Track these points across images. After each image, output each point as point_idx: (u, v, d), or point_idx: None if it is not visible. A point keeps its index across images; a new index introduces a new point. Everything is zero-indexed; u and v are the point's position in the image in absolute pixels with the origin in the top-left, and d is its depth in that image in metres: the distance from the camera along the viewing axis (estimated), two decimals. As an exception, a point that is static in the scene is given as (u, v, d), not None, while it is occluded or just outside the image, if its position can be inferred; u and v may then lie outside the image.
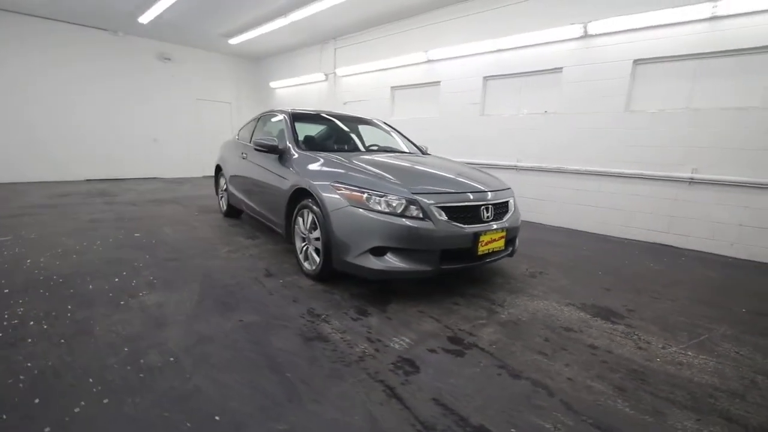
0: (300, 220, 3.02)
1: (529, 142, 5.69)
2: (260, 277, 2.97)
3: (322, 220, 2.68)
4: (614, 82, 4.82)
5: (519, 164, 5.79)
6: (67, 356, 1.82)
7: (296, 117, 3.77)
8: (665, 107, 4.52)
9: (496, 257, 2.80)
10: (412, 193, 2.48)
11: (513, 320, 2.42)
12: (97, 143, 8.65)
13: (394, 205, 2.44)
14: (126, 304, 2.39)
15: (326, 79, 8.91)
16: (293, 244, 3.18)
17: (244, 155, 4.22)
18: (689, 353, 2.14)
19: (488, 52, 5.94)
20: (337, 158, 3.05)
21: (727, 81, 4.13)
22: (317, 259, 2.84)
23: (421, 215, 2.43)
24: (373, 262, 2.45)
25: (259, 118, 4.54)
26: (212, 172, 5.65)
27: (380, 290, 2.79)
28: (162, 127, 9.56)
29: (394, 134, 4.37)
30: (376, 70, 7.74)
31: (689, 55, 4.29)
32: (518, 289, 2.95)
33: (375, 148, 4.01)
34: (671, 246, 4.52)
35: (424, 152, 4.23)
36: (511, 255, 3.00)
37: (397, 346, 2.04)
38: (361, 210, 2.47)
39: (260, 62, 11.02)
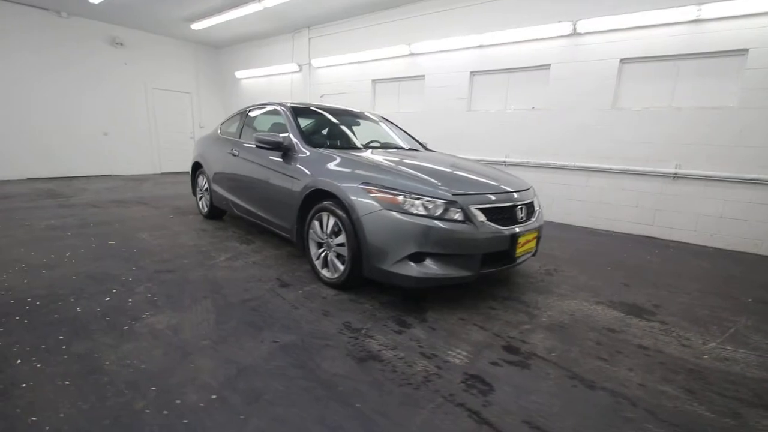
0: (316, 224, 2.77)
1: (517, 138, 5.74)
2: (276, 288, 2.69)
3: (349, 226, 2.46)
4: (602, 80, 4.95)
5: (508, 160, 5.84)
6: (82, 404, 1.48)
7: (297, 111, 3.47)
8: (650, 105, 4.72)
9: (525, 258, 2.74)
10: (453, 195, 2.33)
11: (556, 323, 2.37)
12: (40, 137, 7.62)
13: (433, 207, 2.28)
14: (131, 330, 2.04)
15: (300, 70, 8.48)
16: (306, 250, 2.92)
17: (235, 152, 3.84)
18: (728, 347, 2.19)
19: (475, 47, 5.89)
20: (356, 156, 2.83)
21: (707, 81, 4.37)
22: (340, 266, 2.61)
23: (461, 218, 2.29)
24: (412, 270, 2.28)
25: (246, 112, 4.15)
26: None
27: (409, 297, 2.63)
28: (114, 120, 8.62)
29: (391, 129, 4.17)
30: (355, 62, 7.46)
31: (673, 55, 4.49)
32: (544, 289, 2.92)
33: (376, 144, 3.81)
34: (656, 238, 4.76)
35: (426, 148, 4.09)
36: (534, 255, 2.96)
37: (457, 361, 1.90)
38: (397, 214, 2.28)
39: (224, 50, 10.28)
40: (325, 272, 2.77)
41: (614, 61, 4.84)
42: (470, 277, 2.36)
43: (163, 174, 9.38)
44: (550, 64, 5.32)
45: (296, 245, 3.06)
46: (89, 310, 2.25)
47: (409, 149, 3.79)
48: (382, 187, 2.37)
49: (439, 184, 2.40)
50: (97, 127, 8.39)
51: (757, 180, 4.13)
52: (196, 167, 4.79)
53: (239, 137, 4.00)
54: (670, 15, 4.36)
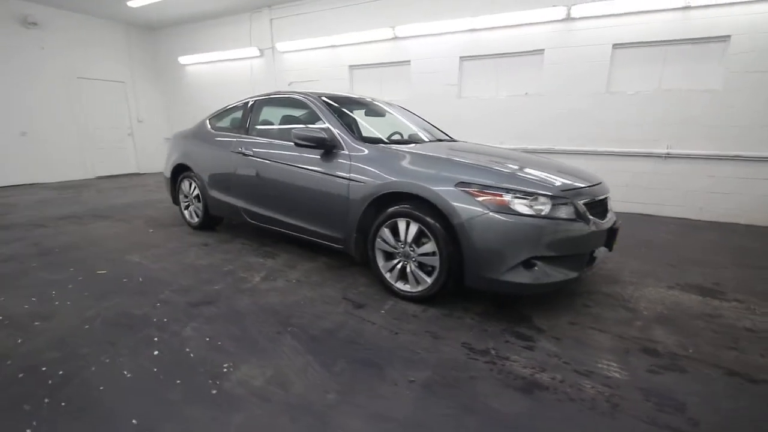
0: (387, 231, 2.42)
1: (510, 123, 5.73)
2: (352, 311, 2.31)
3: (442, 232, 2.17)
4: (595, 64, 5.08)
5: (502, 146, 5.82)
6: None
7: (329, 102, 3.03)
8: (641, 89, 4.95)
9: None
10: (561, 191, 2.14)
11: (659, 315, 2.32)
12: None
13: (544, 206, 2.07)
14: (224, 393, 1.57)
15: (262, 55, 7.67)
16: (372, 261, 2.55)
17: (245, 151, 3.27)
18: (811, 319, 2.31)
19: (466, 31, 5.73)
20: (429, 152, 2.52)
21: (693, 66, 4.67)
22: (426, 278, 2.31)
23: (573, 215, 2.12)
24: (525, 276, 2.06)
25: (249, 104, 3.55)
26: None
27: (496, 304, 2.42)
28: (32, 117, 7.11)
29: (408, 118, 3.82)
30: (329, 46, 6.91)
31: (662, 41, 4.72)
32: (612, 278, 2.89)
33: (397, 137, 3.45)
34: (650, 215, 5.07)
35: (452, 139, 3.85)
36: (610, 250, 2.72)
37: (617, 375, 1.74)
38: (506, 216, 2.03)
39: (163, 32, 8.95)
40: (401, 285, 2.45)
41: (607, 46, 4.98)
42: (576, 279, 2.21)
43: (99, 179, 8.02)
44: (543, 49, 5.34)
45: (354, 256, 2.68)
46: (143, 372, 1.71)
47: (449, 140, 3.52)
48: (483, 187, 2.10)
49: (543, 179, 2.20)
50: (10, 126, 6.85)
51: (738, 156, 4.53)
52: (180, 170, 4.06)
53: (247, 133, 3.41)
54: (661, 1, 4.56)
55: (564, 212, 2.10)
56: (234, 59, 8.05)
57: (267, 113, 3.45)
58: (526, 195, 2.07)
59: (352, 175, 2.54)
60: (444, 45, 5.94)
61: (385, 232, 2.43)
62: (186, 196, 4.08)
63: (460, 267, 2.19)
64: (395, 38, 6.26)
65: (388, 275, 2.50)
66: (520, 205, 2.05)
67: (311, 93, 3.13)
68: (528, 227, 2.02)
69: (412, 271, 2.37)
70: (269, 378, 1.67)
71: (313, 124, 3.04)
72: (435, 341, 2.00)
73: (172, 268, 2.98)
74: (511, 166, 2.36)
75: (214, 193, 3.66)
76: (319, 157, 2.78)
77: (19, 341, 1.94)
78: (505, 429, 1.41)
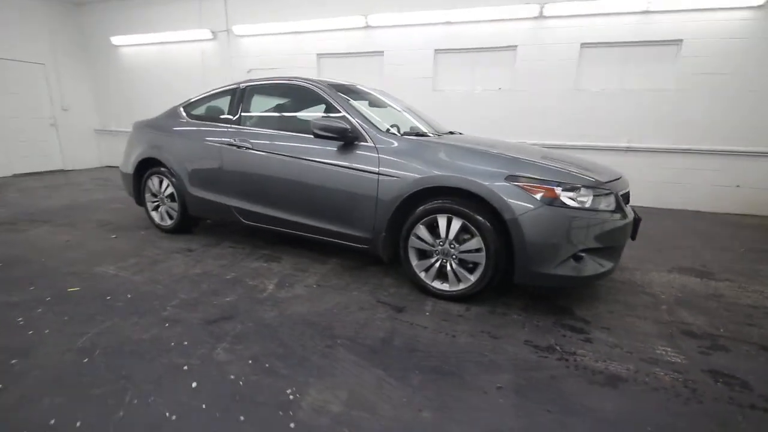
0: (422, 228, 2.29)
1: (484, 117, 5.83)
2: (397, 316, 2.15)
3: (488, 228, 2.09)
4: (565, 62, 5.34)
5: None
6: None
7: (341, 90, 2.80)
8: (606, 87, 5.30)
9: None
10: (604, 183, 2.16)
11: (677, 299, 2.47)
12: None
13: (592, 198, 2.08)
14: (303, 425, 1.35)
15: (215, 38, 6.99)
16: (405, 261, 2.40)
17: (238, 142, 2.92)
18: (791, 293, 2.62)
19: (441, 24, 5.69)
20: (464, 144, 2.44)
21: (652, 66, 5.10)
22: (469, 276, 2.22)
23: (615, 207, 2.16)
24: (574, 269, 2.07)
25: (241, 90, 3.14)
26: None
27: (534, 298, 2.42)
28: None
29: (410, 111, 3.70)
30: (294, 32, 6.48)
31: (625, 42, 5.08)
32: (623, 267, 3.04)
33: (394, 129, 3.31)
34: (613, 204, 5.48)
35: (452, 132, 3.79)
36: None
37: (678, 360, 1.79)
38: (558, 209, 2.01)
39: (92, 8, 7.74)
40: (438, 284, 2.34)
41: (576, 45, 5.25)
42: (613, 270, 2.27)
43: (17, 176, 6.79)
44: (517, 46, 5.49)
45: (381, 256, 2.51)
46: (190, 411, 1.41)
47: (458, 134, 3.46)
48: (534, 181, 2.06)
49: (586, 171, 2.20)
50: None
51: (689, 150, 5.06)
52: (145, 166, 3.52)
53: (239, 123, 3.04)
54: (624, 4, 4.89)
55: (606, 204, 2.13)
56: (179, 41, 7.24)
57: (262, 101, 3.11)
58: (574, 188, 2.07)
59: (382, 169, 2.36)
60: (419, 37, 5.85)
61: (421, 230, 2.30)
62: (155, 195, 3.56)
63: (506, 263, 2.14)
64: (367, 27, 6.04)
65: (423, 275, 2.37)
66: (569, 199, 2.04)
67: (319, 80, 2.86)
68: (579, 220, 2.02)
69: (453, 270, 2.27)
70: (347, 401, 1.47)
71: (323, 113, 2.80)
72: (496, 341, 1.92)
73: (162, 279, 2.57)
74: (548, 160, 2.34)
75: (197, 192, 3.23)
76: (335, 149, 2.55)
77: (1, 385, 1.51)
78: (614, 428, 1.38)
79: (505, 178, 2.08)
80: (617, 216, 2.16)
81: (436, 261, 2.32)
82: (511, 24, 5.41)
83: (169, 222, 3.53)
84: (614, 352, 1.85)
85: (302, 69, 6.62)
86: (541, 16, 5.25)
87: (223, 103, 3.24)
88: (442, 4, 5.54)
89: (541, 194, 2.02)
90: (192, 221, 3.53)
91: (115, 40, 7.63)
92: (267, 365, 1.68)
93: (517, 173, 2.09)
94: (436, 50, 5.86)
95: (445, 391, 1.55)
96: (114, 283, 2.49)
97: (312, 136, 2.58)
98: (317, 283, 2.57)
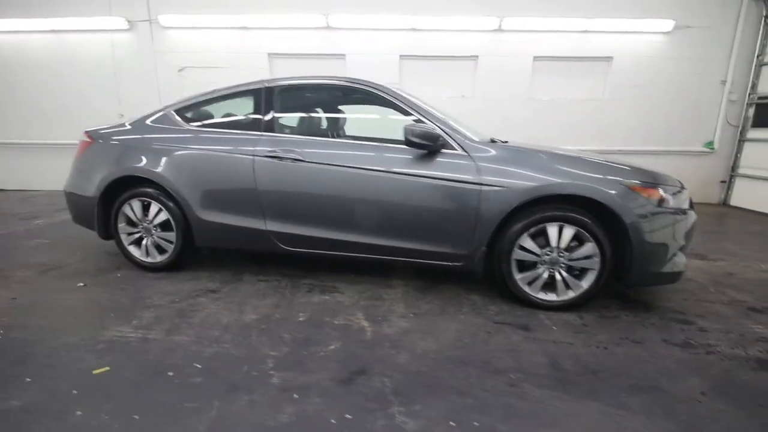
0: (529, 240, 2.20)
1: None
2: (531, 336, 2.01)
3: (602, 234, 2.11)
4: (520, 73, 5.81)
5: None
6: None
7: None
8: (554, 96, 5.93)
9: None
10: (683, 185, 2.36)
11: (711, 279, 2.84)
12: None
13: (684, 198, 2.26)
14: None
15: (131, 29, 5.76)
16: (508, 275, 2.26)
17: (283, 153, 2.40)
18: None
19: (406, 30, 5.67)
20: (558, 151, 2.43)
21: (590, 79, 5.88)
22: (582, 284, 2.21)
23: (689, 206, 2.38)
24: (675, 266, 2.23)
25: (268, 90, 2.55)
26: None
27: (620, 298, 2.53)
28: None
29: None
30: (240, 27, 5.73)
31: (569, 57, 5.76)
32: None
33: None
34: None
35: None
36: None
37: (780, 335, 2.05)
38: (666, 211, 2.14)
39: None
40: (543, 295, 2.27)
41: (529, 58, 5.76)
42: (684, 265, 2.50)
43: None
44: (478, 56, 5.77)
45: (476, 273, 2.33)
46: None
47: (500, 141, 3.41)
48: (645, 185, 2.14)
49: (664, 175, 2.37)
50: None
51: (621, 151, 5.95)
52: (120, 187, 2.67)
53: (271, 130, 2.50)
54: (569, 23, 5.53)
55: (687, 204, 2.33)
56: (81, 30, 5.78)
57: (298, 104, 2.63)
58: (672, 189, 2.21)
59: (485, 179, 2.19)
60: (384, 42, 5.73)
61: (527, 240, 2.20)
62: (134, 225, 2.72)
63: (620, 266, 2.19)
64: (328, 28, 5.68)
65: (527, 288, 2.27)
66: (671, 200, 2.18)
67: (378, 83, 2.54)
68: (679, 219, 2.18)
69: (564, 279, 2.22)
70: (605, 445, 1.30)
71: (382, 119, 2.49)
72: (642, 347, 1.93)
73: (219, 335, 1.96)
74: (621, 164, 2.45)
75: (211, 216, 2.57)
76: (411, 158, 2.30)
77: None
78: (824, 411, 1.49)
79: (620, 183, 2.12)
80: (693, 214, 2.38)
81: (543, 271, 2.25)
82: (474, 35, 5.68)
83: (159, 258, 2.74)
84: (733, 338, 2.02)
85: (250, 70, 5.85)
86: (499, 29, 5.61)
87: (241, 105, 2.65)
88: (408, 10, 5.52)
89: (654, 197, 2.11)
90: (193, 254, 2.80)
91: (-26, 21, 5.72)
92: (476, 423, 1.39)
93: (630, 179, 2.15)
94: (401, 56, 5.81)
95: (668, 408, 1.48)
96: (156, 352, 1.80)
97: (386, 144, 2.29)
98: (411, 312, 2.26)
